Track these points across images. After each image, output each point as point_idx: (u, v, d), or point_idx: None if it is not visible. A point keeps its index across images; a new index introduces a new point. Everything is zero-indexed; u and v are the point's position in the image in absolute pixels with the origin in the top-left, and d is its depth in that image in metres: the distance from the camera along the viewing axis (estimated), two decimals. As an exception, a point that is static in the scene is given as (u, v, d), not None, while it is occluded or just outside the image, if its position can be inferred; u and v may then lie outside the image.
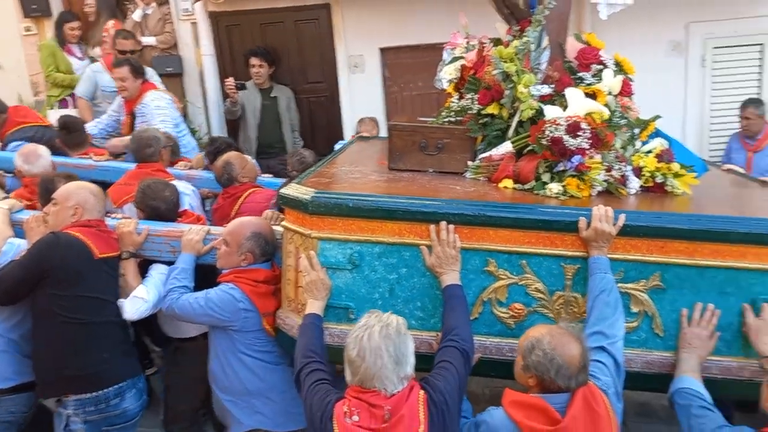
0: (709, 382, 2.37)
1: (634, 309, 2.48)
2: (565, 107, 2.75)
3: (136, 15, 6.37)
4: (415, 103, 6.21)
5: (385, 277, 2.54)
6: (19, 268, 2.81)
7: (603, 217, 2.39)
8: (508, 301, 2.52)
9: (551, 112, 2.73)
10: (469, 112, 3.02)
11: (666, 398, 2.45)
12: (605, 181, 2.70)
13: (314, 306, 2.50)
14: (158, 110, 4.98)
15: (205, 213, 4.15)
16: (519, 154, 2.84)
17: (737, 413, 3.32)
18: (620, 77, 2.91)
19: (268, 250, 2.88)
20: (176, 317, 2.92)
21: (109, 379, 2.88)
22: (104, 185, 3.66)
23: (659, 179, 2.80)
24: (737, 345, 2.47)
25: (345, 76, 6.35)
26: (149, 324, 3.35)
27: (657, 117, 2.99)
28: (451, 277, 2.44)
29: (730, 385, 2.47)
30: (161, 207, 3.30)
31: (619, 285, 2.43)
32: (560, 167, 2.69)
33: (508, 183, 2.78)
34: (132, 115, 5.07)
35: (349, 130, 6.42)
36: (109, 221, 3.12)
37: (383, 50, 6.21)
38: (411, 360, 2.08)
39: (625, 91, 2.95)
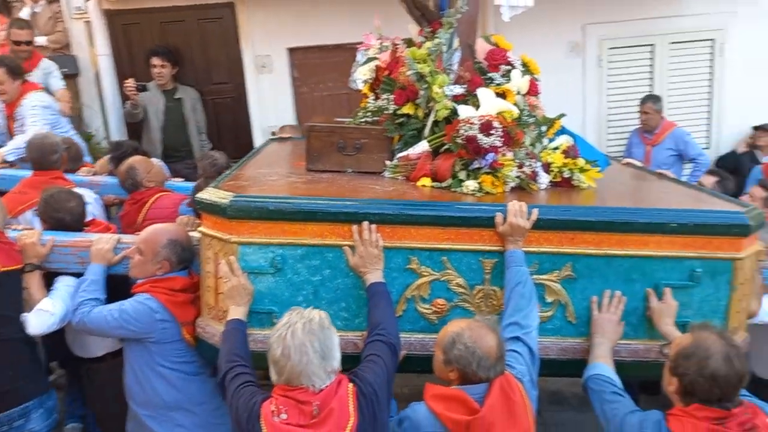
0: (619, 365, 2.49)
1: (549, 299, 2.59)
2: (477, 107, 2.83)
3: (24, 13, 6.00)
4: (325, 104, 6.19)
5: (309, 280, 2.53)
6: None
7: (518, 212, 2.47)
8: (430, 297, 2.56)
9: (465, 111, 2.80)
10: (386, 112, 3.06)
11: (578, 385, 2.57)
12: (517, 177, 2.80)
13: (237, 312, 2.44)
14: (32, 111, 4.71)
15: (110, 221, 3.97)
16: (435, 152, 2.90)
17: (642, 396, 3.54)
18: (528, 77, 3.02)
19: (185, 257, 2.79)
20: (88, 332, 2.78)
21: (14, 399, 2.72)
22: (-2, 195, 3.44)
23: (566, 174, 2.94)
24: (643, 328, 2.61)
25: (252, 77, 6.24)
26: (54, 344, 3.18)
27: (562, 115, 3.14)
28: (374, 276, 2.46)
29: (639, 366, 2.61)
30: (66, 218, 3.12)
31: (534, 276, 2.52)
32: (475, 165, 2.77)
33: (426, 181, 2.83)
34: (13, 119, 4.77)
35: (258, 132, 6.32)
36: (10, 233, 2.92)
37: (291, 50, 6.15)
38: (337, 354, 2.07)
39: (532, 90, 3.07)
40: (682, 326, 2.49)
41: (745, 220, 2.55)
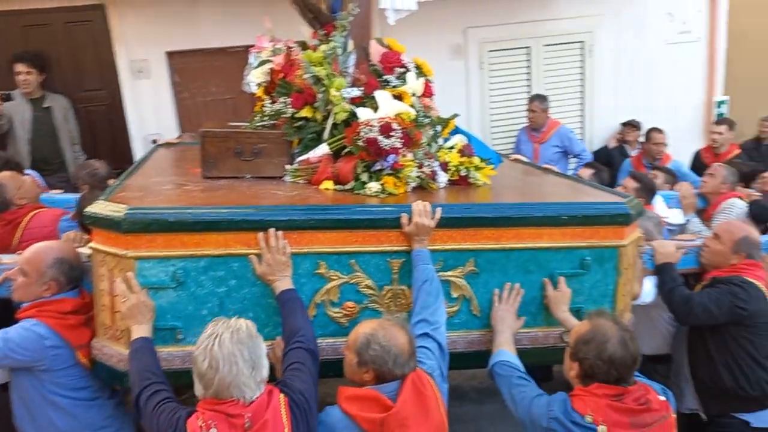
0: (521, 353, 2.59)
1: (454, 294, 2.66)
2: (375, 109, 2.86)
3: None
4: (209, 109, 6.00)
5: (214, 291, 2.44)
6: None
7: (422, 212, 2.52)
8: (340, 300, 2.55)
9: (364, 114, 2.82)
10: (283, 115, 3.01)
11: (477, 380, 2.65)
12: (418, 177, 2.85)
13: (141, 330, 2.31)
14: None
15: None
16: (336, 155, 2.90)
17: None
18: (422, 79, 3.09)
19: (75, 276, 2.61)
20: (-31, 364, 2.51)
21: None
22: None
23: (463, 172, 3.03)
24: (541, 316, 2.75)
25: (128, 83, 5.93)
26: None
27: (456, 115, 3.23)
28: (283, 283, 2.41)
29: (539, 352, 2.75)
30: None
31: (440, 274, 2.58)
32: (377, 166, 2.79)
33: (328, 184, 2.82)
34: None
35: (137, 140, 6.02)
36: None
37: (170, 54, 5.90)
38: (265, 363, 2.01)
39: (427, 92, 3.15)
40: (576, 312, 2.65)
41: (627, 209, 2.74)
